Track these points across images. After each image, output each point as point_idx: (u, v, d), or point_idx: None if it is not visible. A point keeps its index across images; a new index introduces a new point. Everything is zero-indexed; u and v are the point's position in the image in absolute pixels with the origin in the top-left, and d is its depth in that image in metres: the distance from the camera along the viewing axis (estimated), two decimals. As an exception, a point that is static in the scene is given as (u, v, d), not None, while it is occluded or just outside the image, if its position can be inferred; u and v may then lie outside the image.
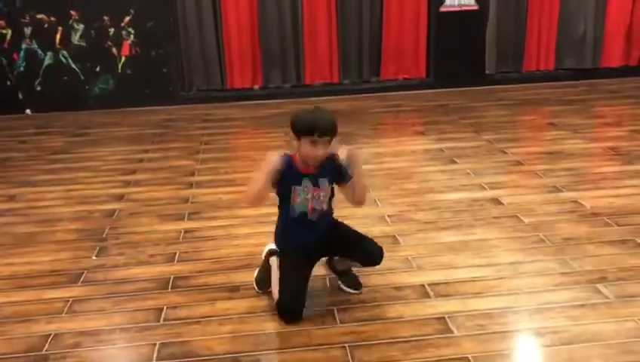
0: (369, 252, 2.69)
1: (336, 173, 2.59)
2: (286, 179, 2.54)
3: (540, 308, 2.63)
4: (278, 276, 2.64)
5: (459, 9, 6.79)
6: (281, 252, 2.71)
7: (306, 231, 2.63)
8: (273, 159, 2.49)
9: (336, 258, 2.82)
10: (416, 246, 3.22)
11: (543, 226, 3.41)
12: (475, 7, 6.81)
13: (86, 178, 4.52)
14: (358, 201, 2.68)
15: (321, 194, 2.58)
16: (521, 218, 3.52)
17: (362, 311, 2.64)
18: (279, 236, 2.73)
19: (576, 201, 3.74)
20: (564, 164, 4.43)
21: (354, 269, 2.83)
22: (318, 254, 2.77)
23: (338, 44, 6.85)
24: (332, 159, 2.54)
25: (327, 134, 2.45)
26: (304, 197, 2.56)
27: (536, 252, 3.12)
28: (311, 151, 2.47)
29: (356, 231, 2.76)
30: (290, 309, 2.56)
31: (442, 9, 6.78)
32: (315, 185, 2.57)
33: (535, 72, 7.16)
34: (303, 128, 2.46)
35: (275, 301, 2.61)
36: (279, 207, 2.67)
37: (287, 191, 2.58)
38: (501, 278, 2.88)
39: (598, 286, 2.78)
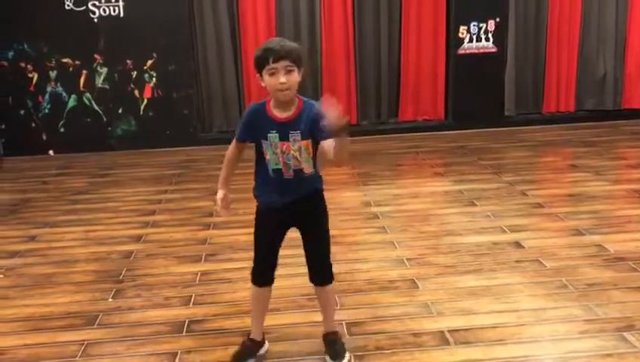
0: (312, 271, 2.55)
1: (316, 126, 2.22)
2: (257, 129, 2.34)
3: (565, 357, 2.54)
4: None
5: (477, 51, 6.82)
6: (257, 209, 2.50)
7: (280, 191, 2.38)
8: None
9: None
10: (436, 291, 3.15)
11: (566, 271, 3.32)
12: (494, 50, 6.84)
13: (105, 219, 4.54)
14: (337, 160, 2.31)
15: (292, 148, 2.32)
16: (543, 262, 3.45)
17: (380, 359, 2.57)
18: (255, 190, 2.48)
19: (599, 245, 3.65)
20: (586, 206, 4.36)
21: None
22: (292, 220, 2.47)
23: (357, 86, 6.90)
24: (311, 108, 2.29)
25: (282, 57, 2.22)
26: (272, 151, 2.34)
27: (559, 298, 3.04)
28: (272, 81, 2.24)
29: (323, 236, 2.51)
30: (258, 274, 2.52)
31: (460, 51, 6.82)
32: (284, 139, 2.31)
33: (555, 113, 7.14)
34: (257, 58, 2.27)
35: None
36: (256, 160, 2.43)
37: (258, 144, 2.37)
38: (523, 325, 2.80)
39: (625, 334, 2.68)
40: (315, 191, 2.46)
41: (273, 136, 2.32)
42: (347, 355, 2.55)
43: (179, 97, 6.66)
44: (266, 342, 2.65)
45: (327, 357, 2.56)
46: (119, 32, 6.45)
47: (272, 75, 2.24)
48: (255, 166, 2.44)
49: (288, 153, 2.33)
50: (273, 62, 2.22)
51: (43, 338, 2.85)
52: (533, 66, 7.06)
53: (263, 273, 2.52)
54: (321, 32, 6.74)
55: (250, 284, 2.58)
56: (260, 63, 2.26)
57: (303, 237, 2.52)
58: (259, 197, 2.47)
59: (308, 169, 2.38)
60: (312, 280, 2.57)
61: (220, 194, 2.53)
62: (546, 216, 4.22)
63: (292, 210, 2.42)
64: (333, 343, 2.58)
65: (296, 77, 2.27)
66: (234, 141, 2.47)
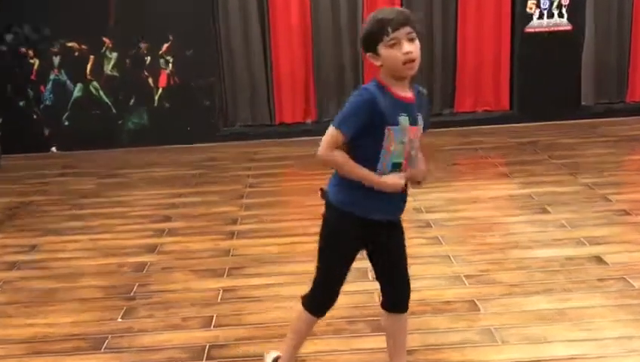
0: (392, 297, 2.49)
1: (427, 113, 2.35)
2: (383, 116, 2.21)
3: (657, 397, 2.47)
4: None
5: (549, 29, 6.71)
6: (335, 222, 2.38)
7: (390, 197, 2.29)
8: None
9: None
10: (500, 315, 3.10)
11: (659, 292, 3.24)
12: (569, 27, 6.72)
13: (115, 226, 4.61)
14: None
15: (419, 134, 2.31)
16: (630, 281, 3.36)
17: (434, 394, 2.54)
18: (341, 196, 2.33)
19: (699, 261, 3.55)
20: (682, 214, 4.25)
21: None
22: (375, 238, 2.39)
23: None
24: (422, 92, 2.34)
25: (403, 24, 2.19)
26: (400, 140, 2.24)
27: (650, 324, 2.96)
28: (393, 55, 2.19)
29: (404, 259, 2.47)
30: (321, 305, 2.46)
31: (528, 29, 6.73)
32: (414, 122, 2.26)
33: (642, 102, 6.99)
34: (371, 32, 2.23)
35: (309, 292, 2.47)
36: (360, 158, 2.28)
37: (378, 135, 2.23)
38: (606, 357, 2.73)
39: None
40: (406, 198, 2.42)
41: (404, 118, 2.24)
42: None
43: (198, 86, 6.73)
44: None
45: None
46: (131, 13, 6.55)
47: (393, 45, 2.19)
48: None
49: (414, 141, 2.30)
50: (393, 31, 2.18)
51: (44, 364, 2.90)
52: (616, 47, 6.92)
53: (327, 303, 2.47)
54: (363, 9, 6.72)
55: (295, 305, 2.54)
56: (375, 37, 2.21)
57: (381, 257, 2.46)
58: (352, 206, 2.31)
59: (417, 160, 2.38)
60: (392, 305, 2.51)
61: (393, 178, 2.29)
62: (633, 225, 4.13)
63: (386, 224, 2.37)
64: None
65: (418, 45, 2.24)
66: (333, 135, 2.24)
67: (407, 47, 2.19)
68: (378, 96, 2.22)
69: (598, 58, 6.86)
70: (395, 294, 2.47)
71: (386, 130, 2.22)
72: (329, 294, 2.44)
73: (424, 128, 2.34)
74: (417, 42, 2.23)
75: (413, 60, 2.20)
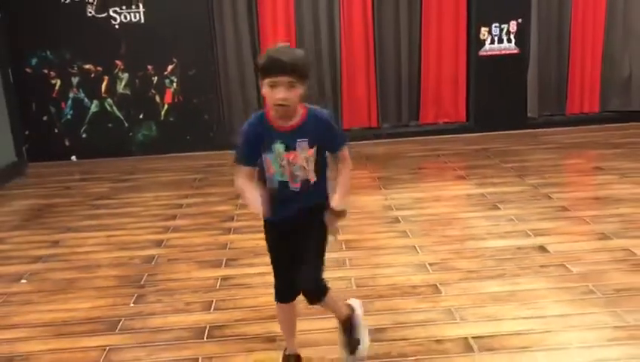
0: (300, 281, 2.31)
1: (325, 135, 2.20)
2: (258, 142, 2.18)
3: (593, 365, 2.48)
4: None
5: (499, 52, 6.75)
6: (265, 227, 2.39)
7: (287, 204, 2.25)
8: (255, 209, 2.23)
9: None
10: (459, 297, 3.11)
11: (593, 276, 3.25)
12: (516, 51, 6.76)
13: (127, 223, 4.57)
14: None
15: (300, 158, 2.19)
16: (569, 267, 3.38)
17: (403, 366, 2.54)
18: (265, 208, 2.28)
19: (627, 249, 3.57)
20: (612, 209, 4.27)
21: None
22: (297, 231, 2.31)
23: (377, 89, 6.88)
24: (320, 117, 2.22)
25: (285, 73, 2.05)
26: (278, 164, 2.19)
27: (586, 304, 2.97)
28: (270, 95, 2.10)
29: (317, 246, 2.32)
30: (281, 293, 2.43)
31: (482, 53, 6.76)
32: (290, 148, 2.18)
33: (579, 114, 7.03)
34: (260, 66, 2.11)
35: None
36: (258, 178, 2.28)
37: (260, 160, 2.21)
38: (549, 332, 2.74)
39: (656, 341, 2.62)
40: (321, 203, 2.31)
41: (278, 146, 2.18)
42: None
43: (199, 102, 6.69)
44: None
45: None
46: (140, 38, 6.50)
47: (272, 87, 2.09)
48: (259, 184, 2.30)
49: (295, 163, 2.20)
50: (276, 75, 2.06)
51: (66, 344, 2.87)
52: (556, 67, 6.97)
53: (286, 290, 2.42)
54: (341, 34, 6.73)
55: (271, 291, 2.51)
56: (263, 72, 2.11)
57: (297, 248, 2.35)
58: (270, 214, 2.28)
59: (313, 178, 2.26)
60: (304, 296, 2.35)
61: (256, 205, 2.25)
62: (572, 219, 4.14)
63: (297, 221, 2.28)
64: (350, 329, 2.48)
65: (298, 92, 2.12)
66: (244, 170, 2.22)
67: (281, 93, 2.08)
68: (255, 128, 2.20)
69: (541, 77, 6.90)
70: (299, 284, 2.33)
71: (263, 157, 2.20)
72: (280, 282, 2.41)
73: (334, 148, 2.26)
74: (298, 89, 2.10)
75: (284, 106, 2.11)
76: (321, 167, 2.27)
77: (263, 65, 2.11)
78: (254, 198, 2.23)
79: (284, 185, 2.24)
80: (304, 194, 2.25)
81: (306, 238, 2.31)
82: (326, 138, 2.23)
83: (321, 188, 2.31)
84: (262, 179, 2.27)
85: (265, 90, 2.13)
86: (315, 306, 2.41)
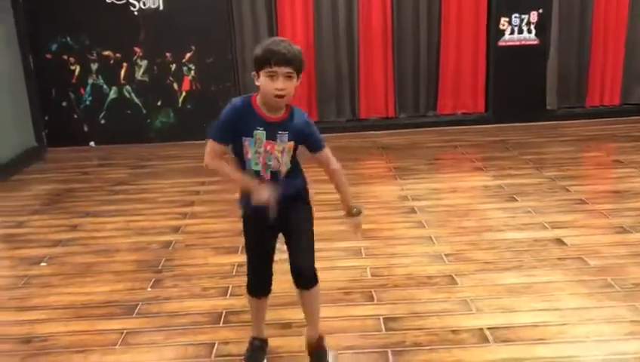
0: (294, 269, 2.36)
1: (305, 134, 2.26)
2: (240, 126, 2.21)
3: (610, 359, 2.47)
4: None
5: (518, 43, 6.68)
6: (242, 219, 2.43)
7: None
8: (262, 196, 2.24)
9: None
10: (475, 288, 3.10)
11: (611, 269, 3.23)
12: (536, 42, 6.68)
13: (145, 209, 4.61)
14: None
15: (276, 149, 2.23)
16: (587, 260, 3.36)
17: (418, 355, 2.54)
18: (238, 199, 2.36)
19: (646, 243, 3.54)
20: (631, 203, 4.23)
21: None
22: (277, 224, 2.34)
23: (394, 78, 6.84)
24: (300, 116, 2.26)
25: (285, 63, 2.12)
26: (255, 150, 2.23)
27: (603, 297, 2.95)
28: (267, 85, 2.14)
29: (306, 234, 2.36)
30: (254, 287, 2.47)
31: (501, 43, 6.69)
32: (271, 138, 2.21)
33: (599, 107, 6.94)
34: (258, 57, 2.15)
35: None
36: (237, 160, 2.30)
37: (239, 143, 2.24)
38: (566, 324, 2.73)
39: (674, 336, 2.59)
40: (297, 193, 2.36)
41: (260, 133, 2.21)
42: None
43: (217, 90, 6.70)
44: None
45: None
46: (159, 25, 6.52)
47: (270, 77, 2.14)
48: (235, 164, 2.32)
49: (271, 153, 2.24)
50: (275, 65, 2.12)
51: (84, 326, 2.91)
52: (576, 59, 6.87)
53: (259, 285, 2.46)
54: (359, 23, 6.69)
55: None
56: (260, 63, 2.15)
57: (285, 240, 2.40)
58: (243, 205, 2.35)
59: (284, 171, 2.30)
60: (294, 280, 2.40)
61: (250, 184, 2.27)
62: (590, 212, 4.11)
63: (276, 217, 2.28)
64: (318, 357, 2.47)
65: (294, 84, 2.18)
66: (211, 145, 2.24)
67: (280, 84, 2.13)
68: (240, 109, 2.22)
69: (561, 68, 6.81)
70: (293, 271, 2.38)
71: (242, 140, 2.22)
72: (254, 277, 2.45)
73: (315, 147, 2.29)
74: (294, 81, 2.17)
75: (282, 96, 2.16)
76: (293, 163, 2.32)
77: (263, 55, 2.15)
78: (233, 170, 2.27)
79: (257, 174, 2.27)
80: (275, 185, 2.27)
81: (295, 227, 2.35)
82: (306, 137, 2.28)
83: (292, 181, 2.33)
84: (237, 162, 2.29)
85: (262, 80, 2.17)
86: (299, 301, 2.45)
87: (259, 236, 2.40)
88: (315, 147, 2.31)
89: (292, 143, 2.26)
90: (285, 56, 2.12)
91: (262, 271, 2.44)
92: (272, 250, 2.43)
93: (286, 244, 2.40)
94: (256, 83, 2.20)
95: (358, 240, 2.34)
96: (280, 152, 2.25)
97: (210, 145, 2.26)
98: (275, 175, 2.29)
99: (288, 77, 2.15)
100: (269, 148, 2.23)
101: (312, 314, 2.47)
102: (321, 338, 2.50)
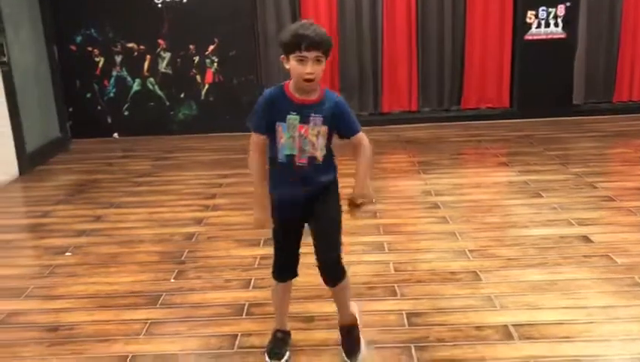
0: (319, 258, 2.36)
1: (339, 118, 2.26)
2: (274, 113, 2.24)
3: (638, 359, 2.43)
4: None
5: (545, 37, 6.59)
6: (272, 205, 2.37)
7: (294, 182, 2.29)
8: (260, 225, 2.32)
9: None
10: (499, 284, 3.08)
11: (639, 268, 3.18)
12: (563, 36, 6.59)
13: (168, 201, 4.65)
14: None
15: (310, 132, 2.23)
16: (614, 258, 3.31)
17: (441, 351, 2.53)
18: (270, 185, 2.35)
19: (675, 242, 3.48)
20: (660, 201, 4.16)
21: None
22: (307, 212, 2.34)
23: (418, 72, 6.80)
24: (334, 99, 2.26)
25: (315, 48, 2.13)
26: (289, 135, 2.24)
27: (630, 296, 2.91)
28: (297, 69, 2.16)
29: (333, 223, 2.35)
30: (280, 272, 2.48)
31: (527, 37, 6.61)
32: (304, 121, 2.23)
33: (628, 102, 6.83)
34: (287, 42, 2.17)
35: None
36: (270, 156, 2.33)
37: (272, 129, 2.26)
38: (592, 323, 2.70)
39: None
40: (329, 181, 2.35)
41: (293, 117, 2.23)
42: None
43: (239, 83, 6.72)
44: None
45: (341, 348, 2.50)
46: (182, 18, 6.55)
47: (300, 61, 2.16)
48: (269, 161, 2.33)
49: (306, 137, 2.24)
50: (305, 49, 2.14)
51: (109, 316, 2.95)
52: (604, 53, 6.77)
53: (286, 270, 2.47)
54: (383, 16, 6.66)
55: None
56: (289, 48, 2.17)
57: (311, 228, 2.38)
58: (274, 191, 2.34)
59: (320, 157, 2.28)
60: (321, 274, 2.40)
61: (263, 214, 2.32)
62: (617, 209, 4.05)
63: (307, 202, 2.32)
64: (349, 332, 2.51)
65: (322, 67, 2.20)
66: (252, 136, 2.29)
67: (310, 68, 2.16)
68: (274, 97, 2.26)
69: (588, 63, 6.72)
70: (319, 264, 2.38)
71: (276, 125, 2.24)
72: (282, 259, 2.46)
73: (349, 132, 2.28)
74: (323, 65, 2.19)
75: (311, 80, 2.18)
76: (328, 150, 2.31)
77: (293, 40, 2.16)
78: (259, 179, 2.30)
79: (290, 159, 2.27)
80: (309, 171, 2.28)
81: (322, 216, 2.34)
82: (340, 121, 2.27)
83: (326, 168, 2.33)
84: (273, 157, 2.31)
85: (291, 64, 2.19)
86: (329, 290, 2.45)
87: (287, 222, 2.39)
88: (348, 130, 2.28)
89: (326, 128, 2.26)
90: (315, 40, 2.14)
91: (289, 253, 2.44)
92: (299, 234, 2.42)
93: (312, 233, 2.39)
94: (286, 66, 2.22)
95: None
96: (315, 136, 2.25)
97: (252, 137, 2.31)
98: (311, 160, 2.28)
99: (317, 60, 2.17)
100: (302, 131, 2.24)
101: (342, 306, 2.51)
102: (354, 316, 2.53)
